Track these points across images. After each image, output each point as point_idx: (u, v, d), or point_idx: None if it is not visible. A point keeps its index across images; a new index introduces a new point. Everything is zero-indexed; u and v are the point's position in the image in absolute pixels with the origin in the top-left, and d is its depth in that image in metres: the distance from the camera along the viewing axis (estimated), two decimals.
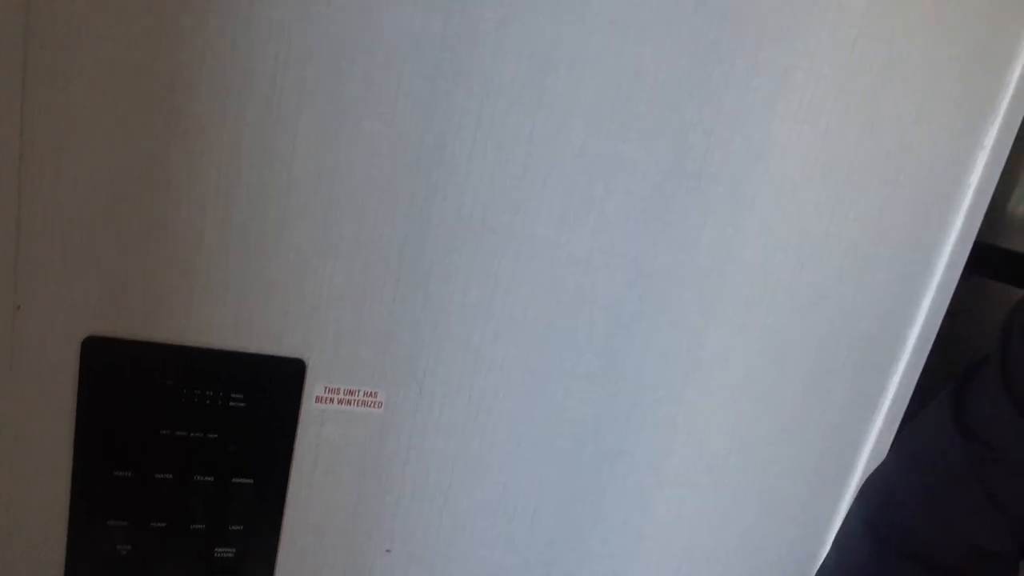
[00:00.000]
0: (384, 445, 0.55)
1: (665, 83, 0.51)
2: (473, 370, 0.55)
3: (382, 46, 0.47)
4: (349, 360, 0.52)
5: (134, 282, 0.48)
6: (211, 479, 0.52)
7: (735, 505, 0.63)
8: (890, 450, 0.63)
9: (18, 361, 0.47)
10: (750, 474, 0.62)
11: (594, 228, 0.54)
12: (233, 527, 0.54)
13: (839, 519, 0.65)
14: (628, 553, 0.63)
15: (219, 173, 0.47)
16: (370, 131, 0.48)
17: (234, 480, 0.53)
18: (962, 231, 0.59)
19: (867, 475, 0.63)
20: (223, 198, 0.47)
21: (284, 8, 0.45)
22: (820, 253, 0.57)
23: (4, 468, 0.49)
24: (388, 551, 0.58)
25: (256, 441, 0.52)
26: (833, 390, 0.62)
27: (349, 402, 0.53)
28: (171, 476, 0.52)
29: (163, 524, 0.52)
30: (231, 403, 0.51)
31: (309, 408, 0.53)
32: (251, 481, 0.53)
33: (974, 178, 0.58)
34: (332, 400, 0.53)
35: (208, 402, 0.51)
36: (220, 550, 0.54)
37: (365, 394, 0.53)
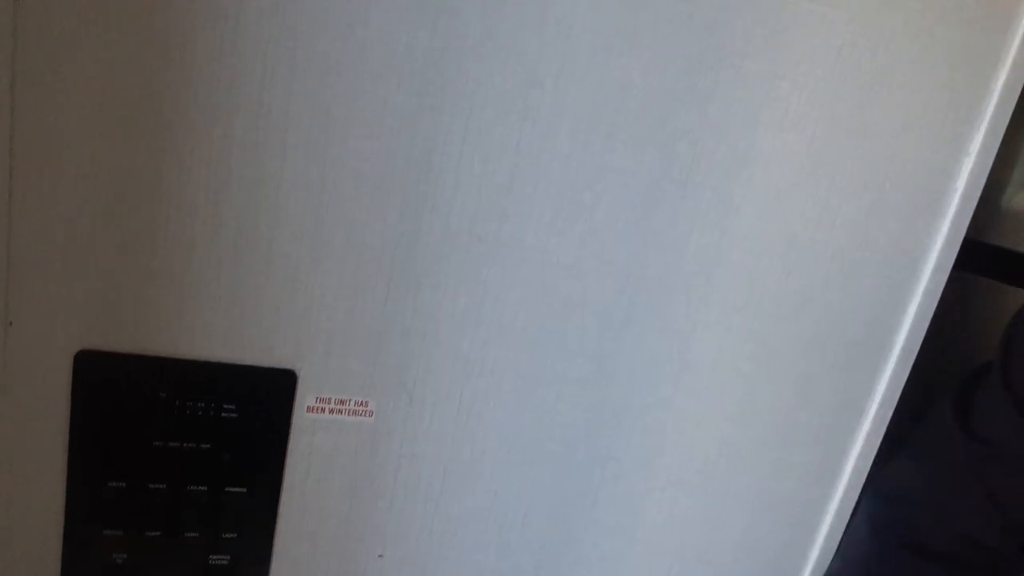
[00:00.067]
0: (375, 453, 0.56)
1: (651, 94, 0.51)
2: (463, 377, 0.56)
3: (368, 61, 0.47)
4: (340, 370, 0.53)
5: (126, 296, 0.48)
6: (204, 488, 0.53)
7: (725, 507, 0.64)
8: (897, 449, 0.64)
9: (11, 376, 0.48)
10: (740, 476, 0.63)
11: (582, 235, 0.54)
12: (227, 535, 0.54)
13: (828, 519, 0.66)
14: (620, 556, 0.63)
15: (208, 188, 0.47)
16: (357, 146, 0.48)
17: (227, 489, 0.53)
18: (948, 236, 0.60)
19: (856, 476, 0.64)
20: (212, 214, 0.48)
21: (270, 25, 0.45)
22: (807, 259, 0.58)
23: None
24: (381, 556, 0.59)
25: (249, 451, 0.53)
26: (821, 393, 0.62)
27: (340, 411, 0.54)
28: (165, 486, 0.52)
29: (158, 533, 0.53)
30: (223, 414, 0.52)
31: (301, 418, 0.53)
32: (244, 490, 0.54)
33: (960, 183, 0.59)
34: (323, 410, 0.54)
35: (201, 413, 0.51)
36: (215, 558, 0.55)
37: (356, 403, 0.54)
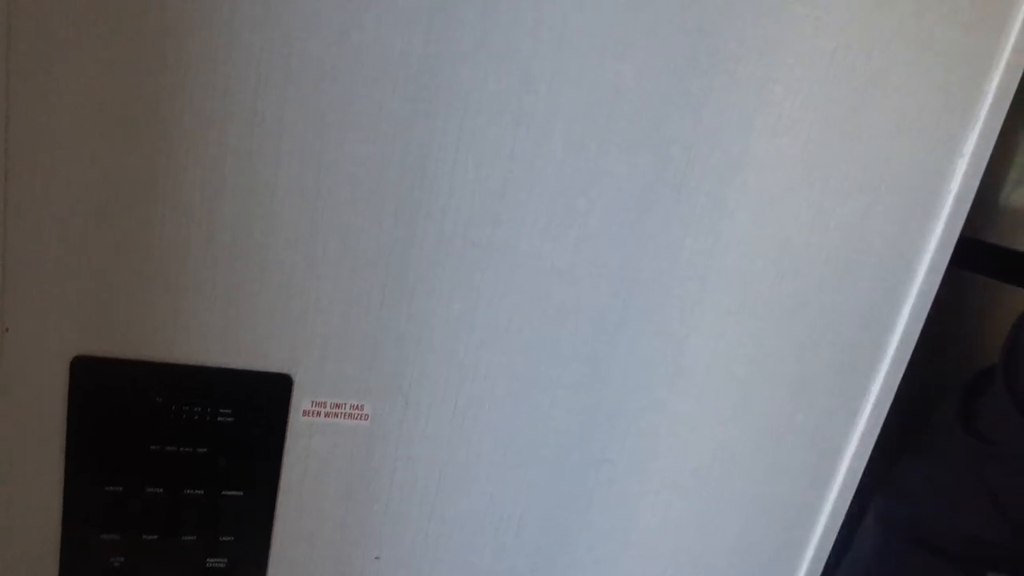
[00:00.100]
0: (371, 456, 0.56)
1: (645, 98, 0.52)
2: (458, 381, 0.56)
3: (362, 67, 0.47)
4: (335, 374, 0.53)
5: (121, 302, 0.49)
6: (201, 492, 0.53)
7: (720, 510, 0.64)
8: (906, 448, 0.65)
9: (7, 382, 0.48)
10: (734, 479, 0.63)
11: (576, 240, 0.54)
12: (224, 538, 0.55)
13: (823, 522, 0.66)
14: (614, 558, 0.64)
15: (202, 193, 0.47)
16: (352, 151, 0.48)
17: (224, 493, 0.54)
18: (942, 237, 0.60)
19: (851, 478, 0.65)
20: (207, 219, 0.48)
21: (264, 30, 0.45)
22: (801, 262, 0.58)
23: None
24: (377, 558, 0.59)
25: (245, 455, 0.53)
26: (815, 396, 0.62)
27: (336, 415, 0.54)
28: (162, 490, 0.53)
29: (155, 536, 0.53)
30: (220, 418, 0.52)
31: (296, 422, 0.54)
32: (241, 493, 0.54)
33: (954, 185, 0.59)
34: (319, 413, 0.54)
35: (197, 418, 0.52)
36: (212, 560, 0.55)
37: (351, 407, 0.54)
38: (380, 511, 0.58)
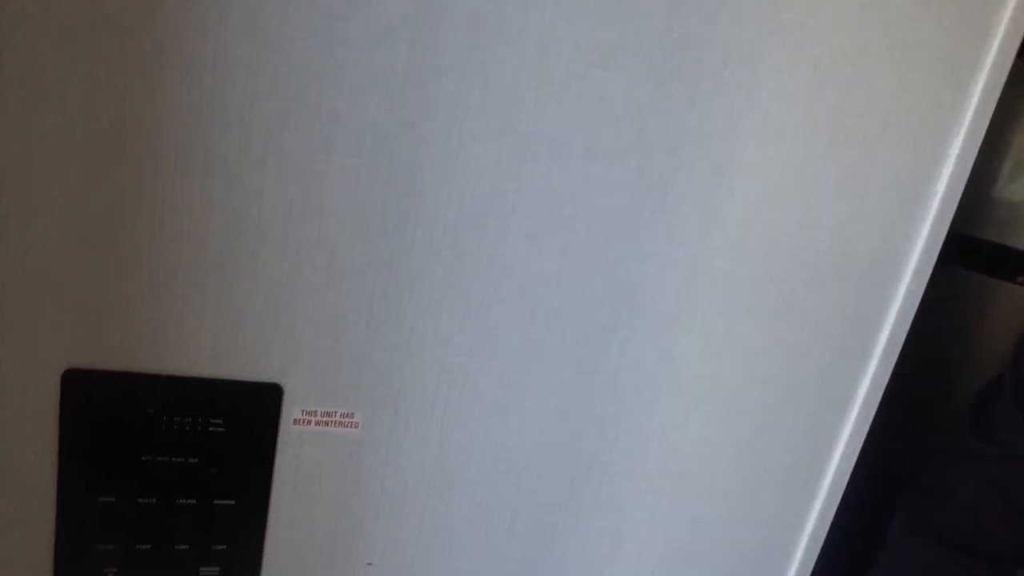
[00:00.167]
0: (362, 463, 0.56)
1: (631, 105, 0.52)
2: (447, 387, 0.56)
3: (348, 80, 0.47)
4: (325, 383, 0.53)
5: (112, 314, 0.49)
6: (194, 502, 0.54)
7: (709, 511, 0.65)
8: (926, 456, 0.69)
9: None
10: (723, 480, 0.64)
11: (563, 246, 0.54)
12: (217, 547, 0.55)
13: (811, 521, 0.66)
14: (605, 560, 0.64)
15: (191, 205, 0.48)
16: (340, 162, 0.49)
17: (216, 502, 0.54)
18: (929, 238, 0.60)
19: (839, 477, 0.65)
20: (197, 230, 0.48)
21: (251, 43, 0.45)
22: (788, 265, 0.58)
23: None
24: (369, 564, 0.59)
25: (236, 464, 0.54)
26: (803, 396, 0.63)
27: (326, 424, 0.54)
28: (155, 500, 0.53)
29: (148, 546, 0.54)
30: (211, 428, 0.52)
31: (287, 431, 0.54)
32: (233, 502, 0.54)
33: (940, 186, 0.59)
34: (310, 422, 0.54)
35: (188, 428, 0.52)
36: (205, 569, 0.55)
37: (342, 415, 0.55)
38: (372, 518, 0.58)
